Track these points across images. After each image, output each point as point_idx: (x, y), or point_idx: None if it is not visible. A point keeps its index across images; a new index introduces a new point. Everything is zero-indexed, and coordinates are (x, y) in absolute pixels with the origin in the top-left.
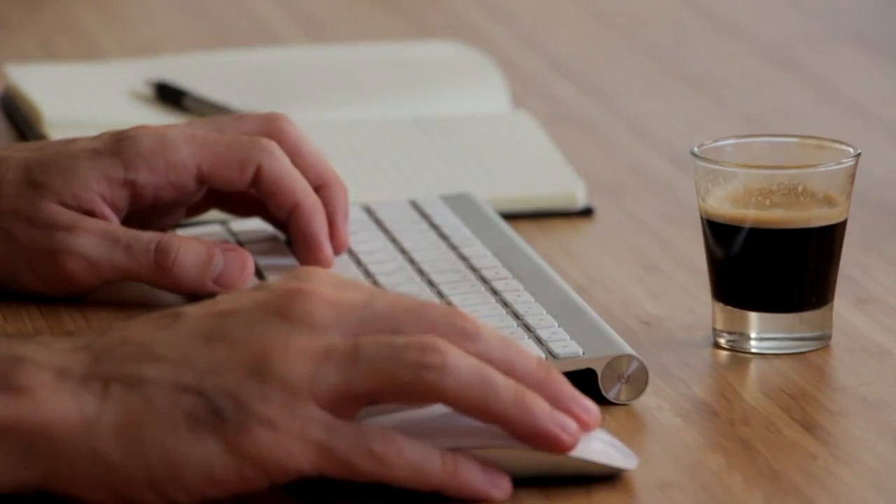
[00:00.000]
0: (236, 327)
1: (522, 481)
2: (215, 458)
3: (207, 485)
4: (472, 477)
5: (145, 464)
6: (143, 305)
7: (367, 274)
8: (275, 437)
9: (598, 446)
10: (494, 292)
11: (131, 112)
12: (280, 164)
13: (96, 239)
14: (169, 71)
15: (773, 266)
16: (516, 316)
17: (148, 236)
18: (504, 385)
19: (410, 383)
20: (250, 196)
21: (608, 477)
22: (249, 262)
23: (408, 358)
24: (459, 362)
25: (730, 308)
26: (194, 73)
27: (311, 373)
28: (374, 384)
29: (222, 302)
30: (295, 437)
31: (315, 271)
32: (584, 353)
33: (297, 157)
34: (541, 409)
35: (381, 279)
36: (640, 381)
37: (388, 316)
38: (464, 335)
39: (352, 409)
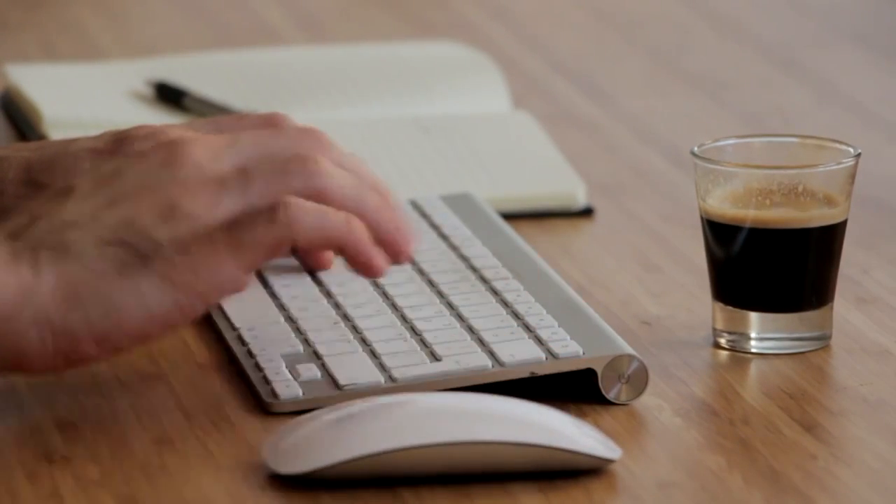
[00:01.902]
0: (131, 185)
1: (521, 480)
2: (150, 295)
3: (147, 323)
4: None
5: (86, 317)
6: None
7: None
8: (197, 260)
9: (586, 440)
10: (494, 292)
11: (131, 112)
12: None
13: None
14: (169, 71)
15: (773, 266)
16: (516, 316)
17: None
18: (374, 187)
19: (302, 190)
20: None
21: (599, 471)
22: None
23: (294, 169)
24: (333, 168)
25: (730, 308)
26: (194, 73)
27: (214, 202)
28: (270, 198)
29: (103, 169)
30: (214, 254)
31: (171, 126)
32: (584, 353)
33: None
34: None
35: (381, 279)
36: (640, 381)
37: (256, 143)
38: (323, 146)
39: None
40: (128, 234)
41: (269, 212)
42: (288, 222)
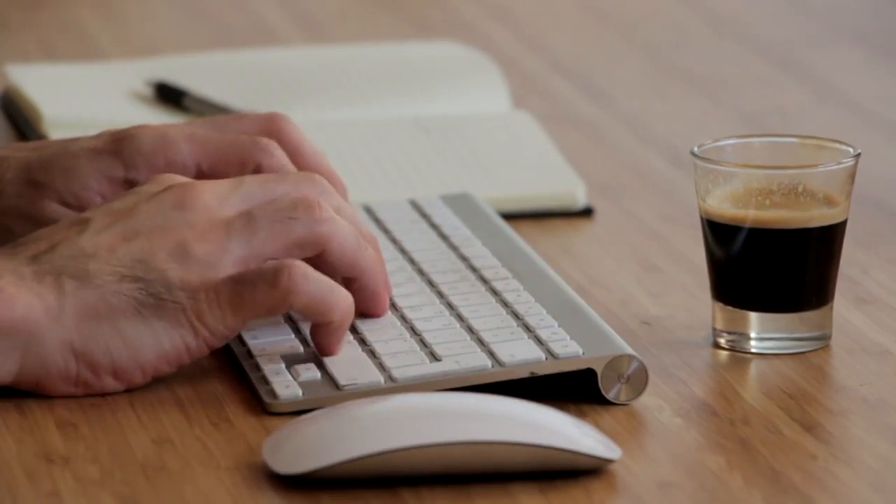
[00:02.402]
0: (144, 223)
1: (521, 480)
2: (163, 336)
3: (160, 361)
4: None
5: (106, 348)
6: None
7: None
8: (203, 309)
9: (586, 441)
10: (494, 292)
11: (131, 112)
12: (279, 164)
13: None
14: (169, 71)
15: (773, 266)
16: (516, 316)
17: None
18: (366, 239)
19: (306, 237)
20: None
21: (599, 471)
22: None
23: (299, 215)
24: (335, 215)
25: (730, 308)
26: (194, 72)
27: (223, 247)
28: (274, 244)
29: (117, 205)
30: (218, 306)
31: (173, 175)
32: (584, 353)
33: (296, 156)
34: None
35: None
36: (640, 381)
37: (261, 187)
38: (324, 193)
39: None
40: (144, 272)
41: (273, 275)
42: (288, 289)
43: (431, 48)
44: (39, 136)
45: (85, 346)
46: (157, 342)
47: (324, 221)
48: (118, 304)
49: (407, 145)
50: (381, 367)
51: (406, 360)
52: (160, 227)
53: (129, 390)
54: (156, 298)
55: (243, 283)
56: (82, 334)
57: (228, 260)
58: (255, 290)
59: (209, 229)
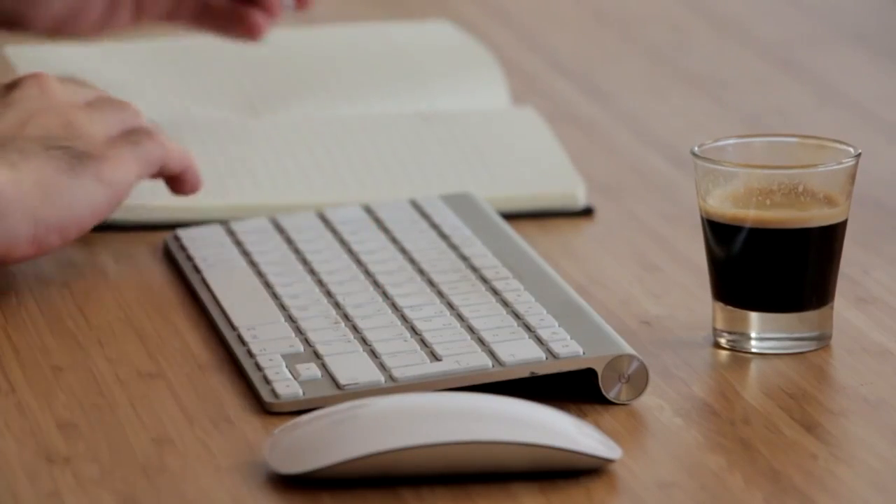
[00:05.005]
0: (26, 109)
1: (521, 480)
2: (93, 192)
3: (91, 217)
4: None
5: (55, 210)
6: (143, 304)
7: (368, 274)
8: (115, 164)
9: (586, 440)
10: (495, 292)
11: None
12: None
13: None
14: (167, 55)
15: (773, 266)
16: (517, 316)
17: None
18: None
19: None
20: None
21: (599, 471)
22: None
23: (119, 104)
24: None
25: (730, 308)
26: (196, 62)
27: (95, 120)
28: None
29: None
30: (123, 160)
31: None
32: (584, 353)
33: None
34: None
35: (382, 279)
36: (640, 380)
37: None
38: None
39: None
40: (60, 141)
41: (146, 131)
42: (162, 142)
43: (424, 33)
44: None
45: (42, 212)
46: (89, 199)
47: (138, 114)
48: (58, 168)
49: (408, 142)
50: (382, 366)
51: (406, 360)
52: (42, 110)
53: (130, 391)
54: (79, 159)
55: (131, 138)
56: (38, 198)
57: (102, 130)
58: (145, 143)
59: (76, 109)
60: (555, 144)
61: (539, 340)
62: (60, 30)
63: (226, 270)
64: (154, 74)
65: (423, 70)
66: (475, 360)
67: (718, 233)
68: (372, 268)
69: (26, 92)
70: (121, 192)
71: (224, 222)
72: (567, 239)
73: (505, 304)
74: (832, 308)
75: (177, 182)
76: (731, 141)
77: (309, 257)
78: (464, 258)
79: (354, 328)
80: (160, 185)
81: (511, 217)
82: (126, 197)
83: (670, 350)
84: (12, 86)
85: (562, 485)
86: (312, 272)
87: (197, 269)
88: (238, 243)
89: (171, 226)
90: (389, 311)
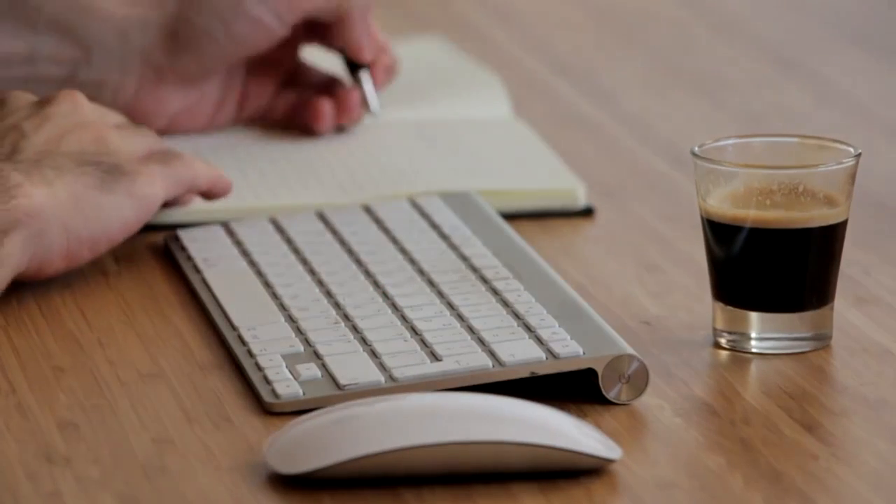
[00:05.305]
0: (61, 124)
1: (521, 480)
2: (124, 207)
3: (121, 231)
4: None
5: (87, 225)
6: (143, 304)
7: (368, 274)
8: (144, 181)
9: (586, 440)
10: (494, 292)
11: None
12: None
13: None
14: None
15: (773, 266)
16: (517, 316)
17: None
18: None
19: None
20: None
21: (600, 471)
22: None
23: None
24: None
25: (730, 308)
26: None
27: (124, 138)
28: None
29: (23, 114)
30: (155, 177)
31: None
32: (584, 353)
33: None
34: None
35: (381, 279)
36: (640, 380)
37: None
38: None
39: None
40: (90, 159)
41: (174, 153)
42: (190, 162)
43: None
44: None
45: (76, 227)
46: (119, 213)
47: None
48: (90, 183)
49: (408, 149)
50: (382, 366)
51: (406, 360)
52: (76, 125)
53: (130, 392)
54: (110, 175)
55: (159, 159)
56: (71, 214)
57: (133, 148)
58: (174, 164)
59: (107, 128)
60: (549, 151)
61: (539, 340)
62: (174, 127)
63: (226, 270)
64: None
65: (424, 83)
66: (475, 360)
67: (718, 233)
68: (372, 268)
69: (60, 108)
70: (150, 208)
71: (224, 222)
72: (567, 239)
73: (505, 304)
74: (832, 308)
75: (206, 195)
76: (731, 141)
77: (309, 257)
78: (464, 258)
79: (354, 328)
80: None
81: (511, 217)
82: (154, 213)
83: (670, 350)
84: (46, 102)
85: (562, 485)
86: (312, 272)
87: (197, 269)
88: (238, 243)
89: (171, 226)
90: (389, 311)
